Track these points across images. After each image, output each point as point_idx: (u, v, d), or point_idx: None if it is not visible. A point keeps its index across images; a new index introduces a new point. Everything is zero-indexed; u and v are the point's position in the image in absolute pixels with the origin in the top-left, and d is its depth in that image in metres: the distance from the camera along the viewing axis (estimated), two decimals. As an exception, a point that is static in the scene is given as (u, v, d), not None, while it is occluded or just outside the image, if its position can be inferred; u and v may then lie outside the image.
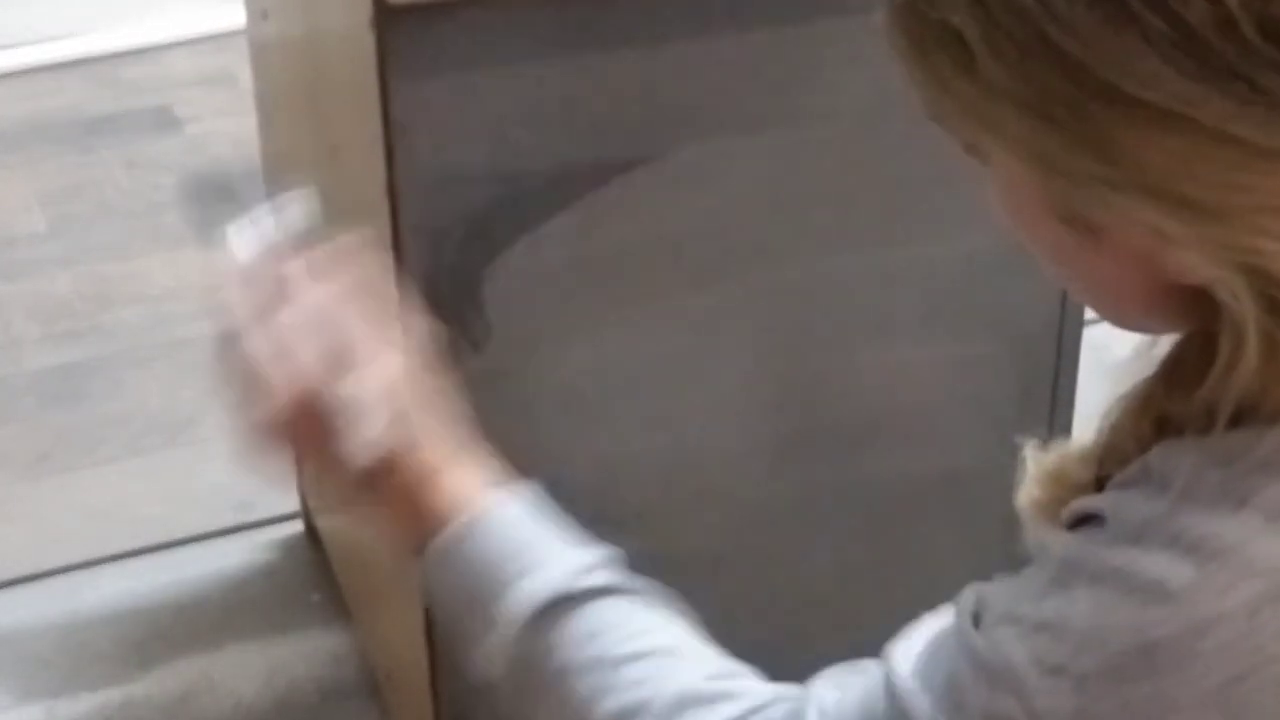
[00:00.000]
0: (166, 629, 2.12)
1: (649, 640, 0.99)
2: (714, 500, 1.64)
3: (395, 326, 1.05)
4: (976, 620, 0.88)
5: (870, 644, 1.82)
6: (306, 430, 1.01)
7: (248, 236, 1.05)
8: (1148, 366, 0.89)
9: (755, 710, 0.96)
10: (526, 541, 1.01)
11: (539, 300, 1.50)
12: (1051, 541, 0.90)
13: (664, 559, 1.66)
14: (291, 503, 2.23)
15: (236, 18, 2.06)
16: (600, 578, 1.01)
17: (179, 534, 2.26)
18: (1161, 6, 0.74)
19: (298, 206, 1.06)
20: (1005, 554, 1.85)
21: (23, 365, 2.60)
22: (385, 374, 1.02)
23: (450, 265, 1.46)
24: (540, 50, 1.39)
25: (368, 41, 1.36)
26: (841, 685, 0.96)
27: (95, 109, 3.31)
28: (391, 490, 1.02)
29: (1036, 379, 1.67)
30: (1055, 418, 1.69)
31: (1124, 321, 0.90)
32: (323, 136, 1.66)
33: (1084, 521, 0.87)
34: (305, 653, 2.07)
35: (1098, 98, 0.77)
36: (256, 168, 2.12)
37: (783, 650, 1.75)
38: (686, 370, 1.58)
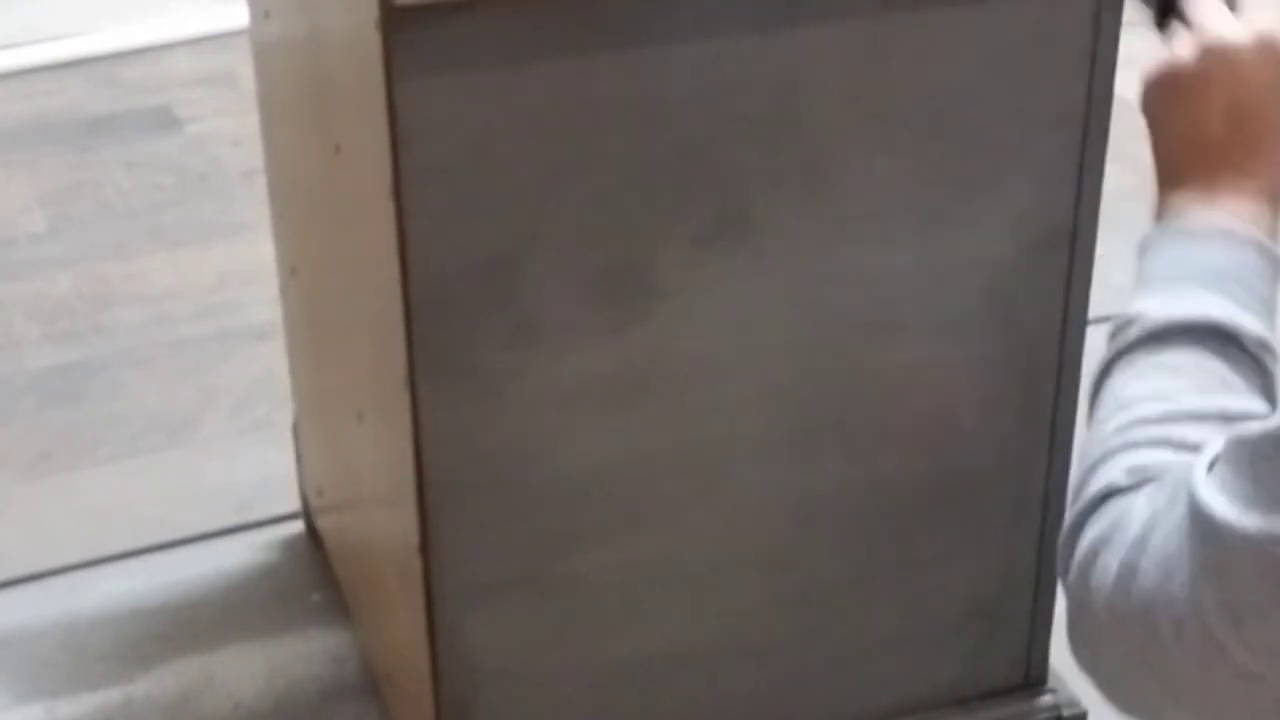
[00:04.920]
0: (166, 629, 2.12)
1: (1242, 408, 1.03)
2: (724, 499, 1.64)
3: None
4: None
5: (879, 643, 1.84)
6: (1263, 55, 1.14)
7: None
8: None
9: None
10: (1262, 293, 1.10)
11: (546, 300, 1.50)
12: None
13: (675, 557, 1.67)
14: (291, 503, 2.23)
15: (237, 18, 2.06)
16: (1268, 359, 1.07)
17: (179, 534, 2.26)
18: None
19: None
20: (1007, 553, 1.86)
21: (23, 365, 2.60)
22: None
23: (457, 264, 1.46)
24: (548, 50, 1.39)
25: (373, 41, 1.36)
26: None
27: (95, 109, 3.32)
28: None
29: (1039, 380, 1.67)
30: (1057, 419, 1.69)
31: None
32: (326, 136, 1.66)
33: None
34: (305, 653, 2.07)
35: None
36: (258, 167, 2.12)
37: (792, 649, 1.76)
38: (695, 370, 1.58)
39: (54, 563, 2.22)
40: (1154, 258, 1.13)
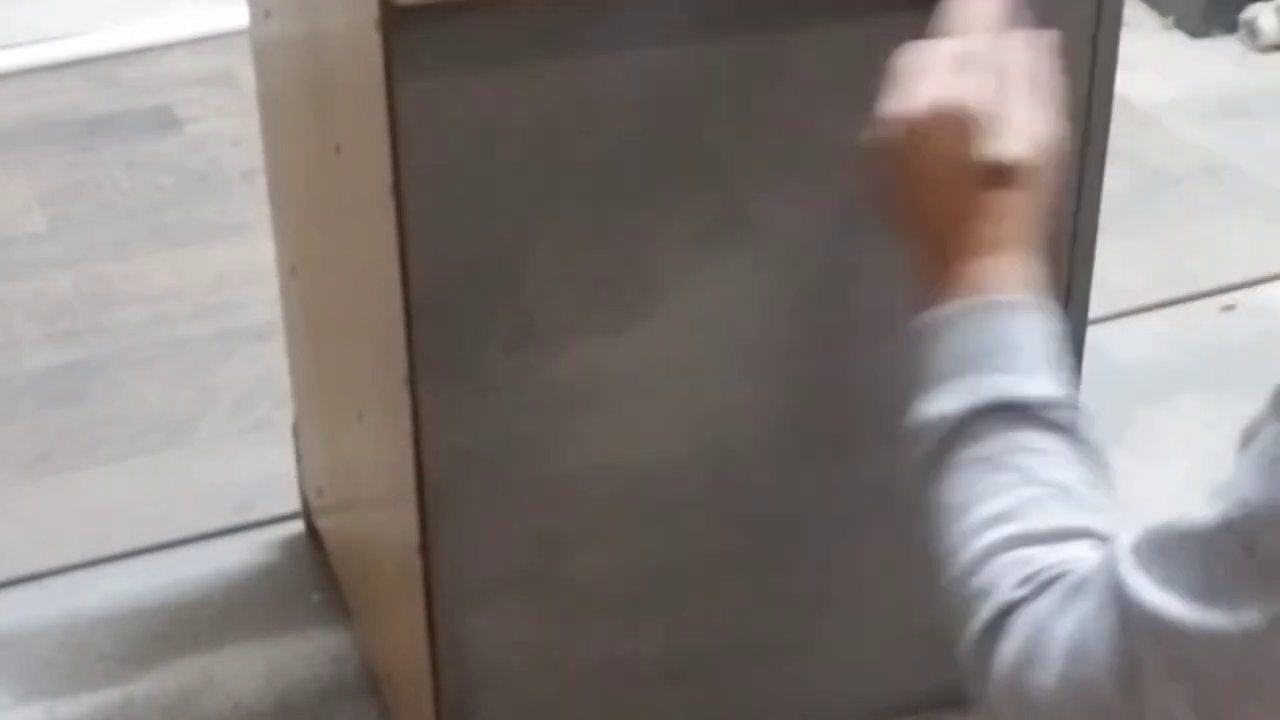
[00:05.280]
0: (166, 629, 2.12)
1: (1070, 480, 1.01)
2: (724, 498, 1.64)
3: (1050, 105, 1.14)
4: None
5: (879, 642, 1.84)
6: (939, 127, 1.10)
7: None
8: None
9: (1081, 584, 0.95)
10: (1031, 350, 1.06)
11: (545, 300, 1.50)
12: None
13: (675, 557, 1.67)
14: (291, 503, 2.23)
15: (237, 18, 2.06)
16: (1067, 416, 1.04)
17: (179, 534, 2.26)
18: None
19: None
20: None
21: (23, 365, 2.60)
22: (1035, 125, 1.12)
23: (457, 264, 1.46)
24: (548, 50, 1.39)
25: (373, 41, 1.36)
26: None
27: (95, 109, 3.32)
28: (981, 202, 1.10)
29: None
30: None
31: None
32: (326, 136, 1.66)
33: None
34: (305, 653, 2.07)
35: None
36: (258, 167, 2.12)
37: (792, 649, 1.76)
38: (694, 370, 1.58)
39: (54, 563, 2.22)
40: (928, 359, 1.09)
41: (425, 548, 1.56)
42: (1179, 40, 3.67)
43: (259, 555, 2.24)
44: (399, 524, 1.60)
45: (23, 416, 2.49)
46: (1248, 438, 0.87)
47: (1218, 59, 3.59)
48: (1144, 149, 3.11)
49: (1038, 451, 1.02)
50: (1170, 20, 3.72)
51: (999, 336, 1.07)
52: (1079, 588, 0.93)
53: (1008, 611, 0.96)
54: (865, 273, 1.57)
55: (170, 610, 2.15)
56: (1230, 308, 2.73)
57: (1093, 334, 1.75)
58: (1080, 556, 0.96)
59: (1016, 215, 1.11)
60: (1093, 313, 1.67)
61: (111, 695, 2.03)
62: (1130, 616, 0.88)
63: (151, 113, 3.30)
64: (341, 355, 1.84)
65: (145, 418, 2.48)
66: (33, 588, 2.19)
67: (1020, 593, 0.96)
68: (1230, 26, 3.66)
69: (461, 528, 1.57)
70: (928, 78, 1.13)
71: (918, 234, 1.13)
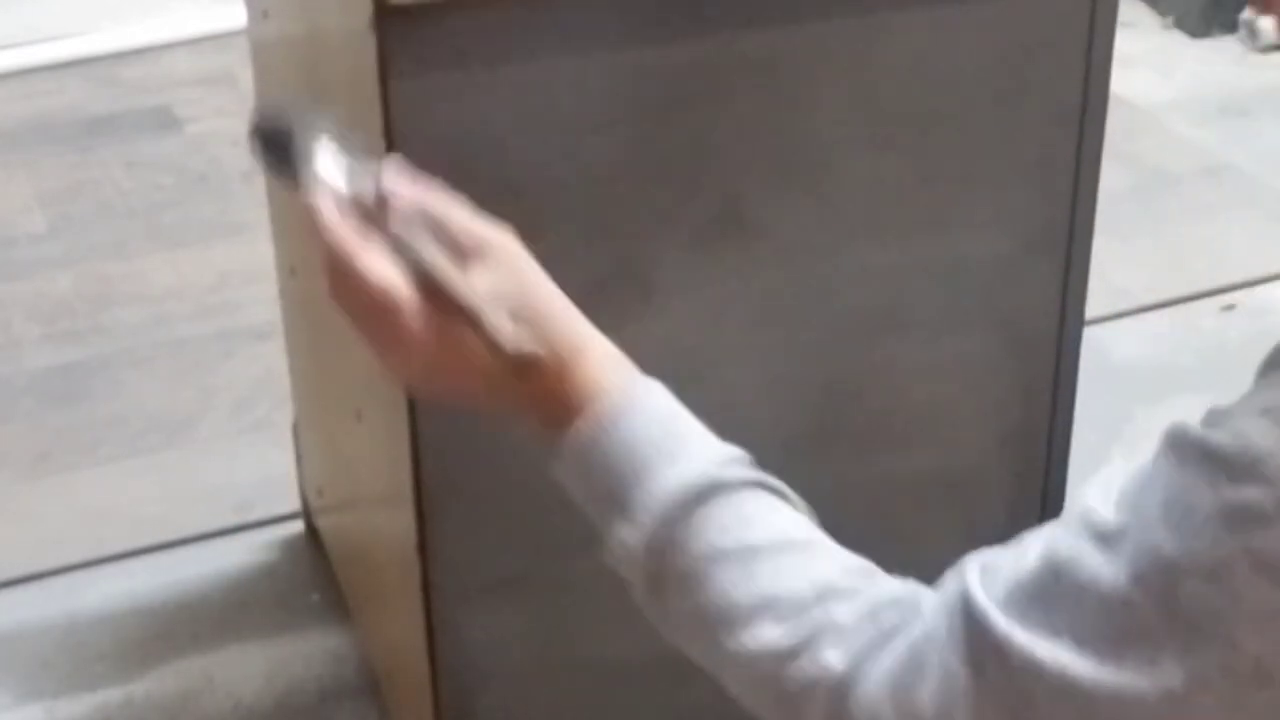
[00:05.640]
0: (166, 629, 2.12)
1: (788, 533, 0.99)
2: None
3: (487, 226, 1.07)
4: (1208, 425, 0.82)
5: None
6: (439, 335, 1.01)
7: (331, 166, 1.05)
8: None
9: (875, 610, 0.94)
10: (669, 430, 1.02)
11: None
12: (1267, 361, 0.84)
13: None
14: (291, 503, 2.24)
15: (236, 18, 2.06)
16: (742, 471, 1.01)
17: (179, 534, 2.26)
18: None
19: (345, 132, 1.07)
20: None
21: (23, 365, 2.60)
22: (503, 267, 1.05)
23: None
24: (541, 50, 1.39)
25: (368, 41, 1.36)
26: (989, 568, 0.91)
27: (95, 109, 3.32)
28: (533, 383, 1.02)
29: (1037, 379, 1.67)
30: (1056, 419, 1.69)
31: None
32: (324, 136, 1.66)
33: None
34: (305, 653, 2.08)
35: None
36: (257, 168, 2.12)
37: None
38: (693, 369, 1.58)
39: (54, 563, 2.22)
40: (578, 499, 1.05)
41: (424, 547, 1.56)
42: (1178, 40, 3.67)
43: (259, 555, 2.24)
44: (398, 524, 1.60)
45: (23, 416, 2.50)
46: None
47: (1217, 59, 3.59)
48: (1143, 149, 3.11)
49: (746, 523, 0.98)
50: (1170, 20, 3.72)
51: (642, 434, 1.01)
52: (917, 643, 0.89)
53: (841, 695, 0.91)
54: (862, 272, 1.57)
55: (170, 610, 2.15)
56: (1230, 308, 2.73)
57: (1092, 334, 1.75)
58: (875, 608, 0.93)
59: (551, 340, 1.04)
60: (1092, 313, 1.67)
61: (111, 695, 2.03)
62: (1003, 666, 0.84)
63: (151, 113, 3.30)
64: (341, 355, 1.84)
65: (145, 418, 2.48)
66: (33, 588, 2.19)
67: (840, 668, 0.91)
68: (1230, 26, 3.66)
69: (461, 528, 1.57)
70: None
71: (479, 409, 1.07)
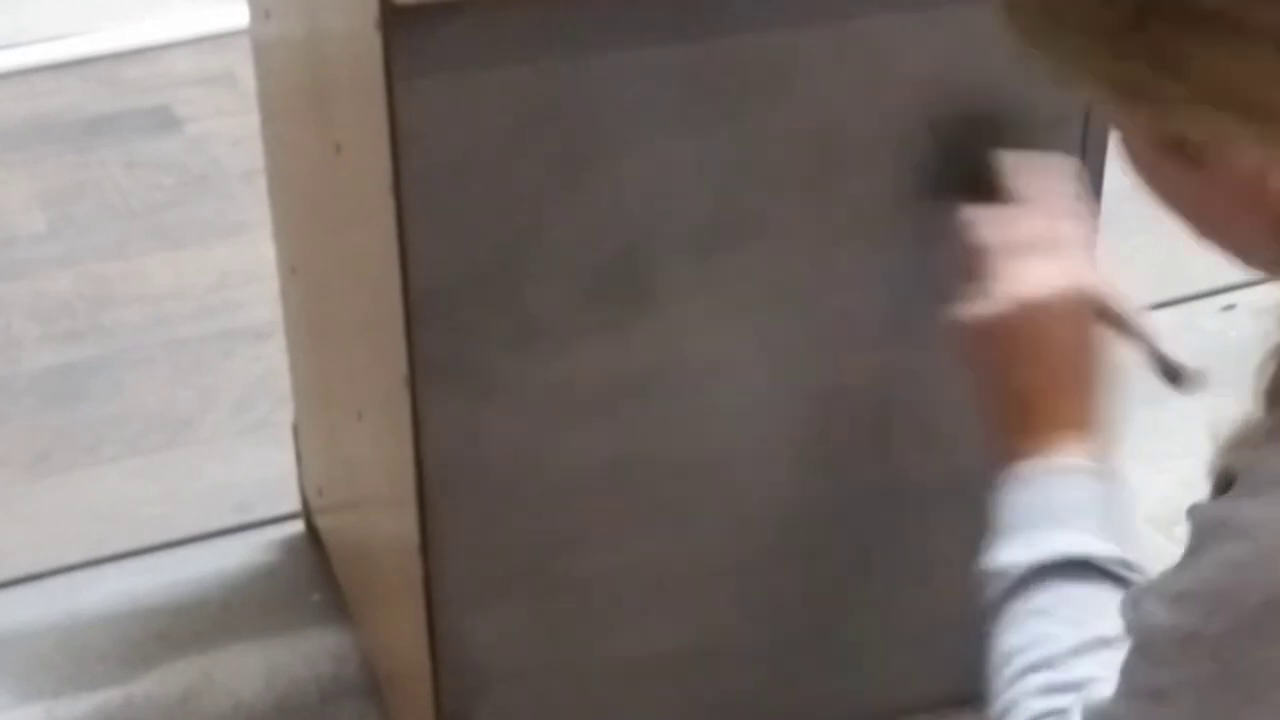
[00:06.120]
0: (166, 629, 2.12)
1: (1113, 632, 1.04)
2: (724, 499, 1.64)
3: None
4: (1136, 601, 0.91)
5: (879, 643, 1.83)
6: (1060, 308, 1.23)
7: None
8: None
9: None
10: (1094, 512, 1.14)
11: (546, 300, 1.50)
12: (1193, 510, 0.90)
13: (675, 557, 1.67)
14: (291, 503, 2.23)
15: (237, 18, 2.06)
16: (1123, 572, 1.10)
17: (179, 534, 2.26)
18: None
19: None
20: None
21: (23, 365, 2.60)
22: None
23: (457, 264, 1.46)
24: (548, 50, 1.39)
25: (373, 41, 1.36)
26: None
27: (95, 109, 3.31)
28: (1078, 378, 1.23)
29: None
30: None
31: (1255, 262, 0.91)
32: (326, 136, 1.66)
33: (1229, 486, 0.87)
34: (305, 653, 2.07)
35: (1159, 15, 0.77)
36: (258, 167, 2.12)
37: (794, 649, 1.76)
38: (693, 371, 1.58)
39: (54, 563, 2.21)
40: (1002, 511, 1.18)
41: (425, 548, 1.56)
42: (1179, 40, 3.66)
43: (259, 555, 2.23)
44: (399, 524, 1.60)
45: (23, 416, 2.49)
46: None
47: (1218, 59, 3.59)
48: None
49: (1087, 604, 1.07)
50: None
51: (1066, 497, 1.14)
52: None
53: None
54: (864, 275, 1.57)
55: (170, 610, 2.15)
56: (1230, 308, 2.73)
57: (1093, 334, 1.74)
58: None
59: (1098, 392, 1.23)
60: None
61: (111, 695, 2.03)
62: None
63: (151, 113, 3.29)
64: (341, 355, 1.84)
65: (145, 418, 2.47)
66: (33, 588, 2.19)
67: None
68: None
69: (461, 528, 1.57)
70: (1024, 258, 1.26)
71: (1003, 399, 1.23)
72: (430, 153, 1.40)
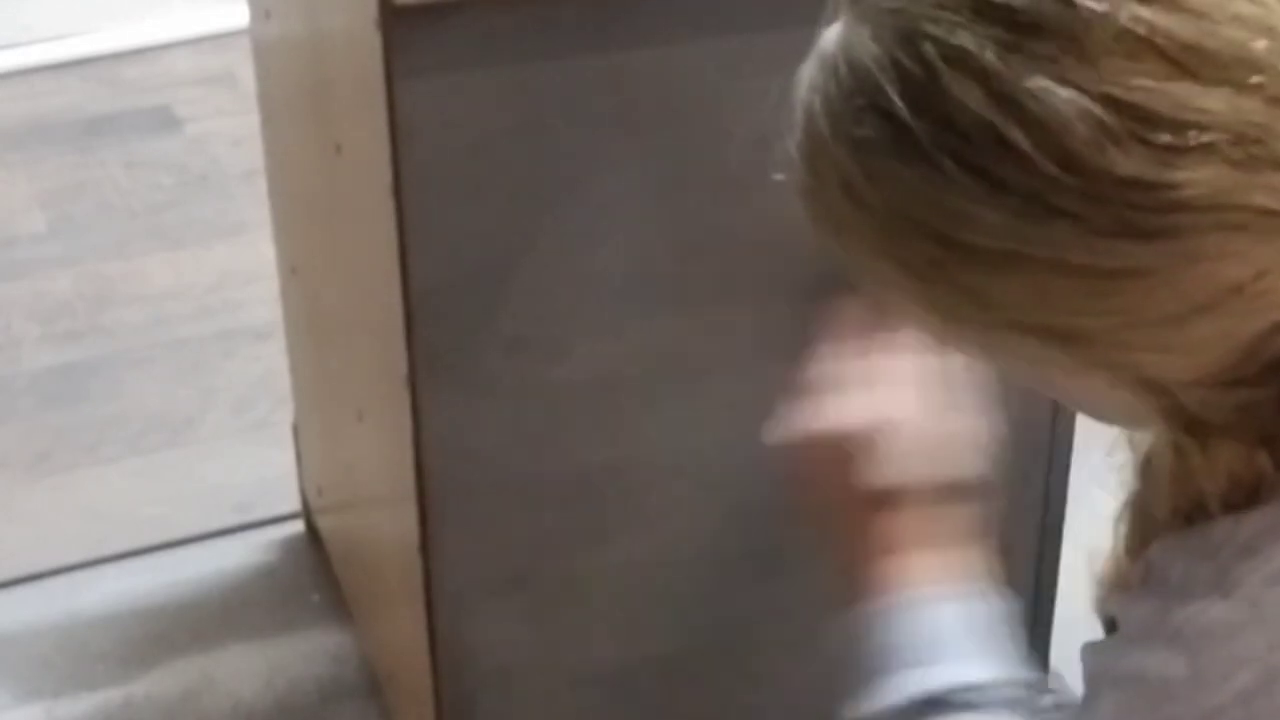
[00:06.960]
0: (166, 629, 2.12)
1: None
2: (724, 500, 1.64)
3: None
4: None
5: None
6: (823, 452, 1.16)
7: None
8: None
9: None
10: (954, 639, 1.09)
11: (545, 300, 1.50)
12: (1084, 652, 0.92)
13: (675, 558, 1.67)
14: (291, 503, 2.23)
15: (237, 17, 2.06)
16: (999, 695, 1.08)
17: (179, 534, 2.26)
18: (967, 162, 0.77)
19: None
20: (1004, 558, 1.85)
21: (23, 365, 2.60)
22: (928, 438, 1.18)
23: (457, 264, 1.46)
24: (548, 50, 1.39)
25: (373, 41, 1.36)
26: None
27: (95, 109, 3.31)
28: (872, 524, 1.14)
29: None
30: (1055, 426, 1.69)
31: (1108, 422, 0.93)
32: (327, 136, 1.66)
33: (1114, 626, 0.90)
34: (305, 653, 2.08)
35: (948, 249, 0.80)
36: (258, 168, 2.12)
37: (794, 650, 1.76)
38: (697, 370, 1.58)
39: (54, 563, 2.22)
40: (859, 651, 1.13)
41: (425, 548, 1.56)
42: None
43: (259, 555, 2.24)
44: (399, 524, 1.60)
45: (23, 416, 2.49)
46: None
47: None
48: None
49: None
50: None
51: (921, 631, 1.09)
52: None
53: None
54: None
55: (170, 610, 2.15)
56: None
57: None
58: None
59: (907, 535, 1.13)
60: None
61: (111, 695, 2.03)
62: None
63: (151, 113, 3.30)
64: (341, 355, 1.84)
65: (145, 418, 2.48)
66: (33, 588, 2.19)
67: None
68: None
69: (461, 528, 1.57)
70: (821, 399, 1.18)
71: (829, 533, 1.17)
72: (430, 153, 1.40)
